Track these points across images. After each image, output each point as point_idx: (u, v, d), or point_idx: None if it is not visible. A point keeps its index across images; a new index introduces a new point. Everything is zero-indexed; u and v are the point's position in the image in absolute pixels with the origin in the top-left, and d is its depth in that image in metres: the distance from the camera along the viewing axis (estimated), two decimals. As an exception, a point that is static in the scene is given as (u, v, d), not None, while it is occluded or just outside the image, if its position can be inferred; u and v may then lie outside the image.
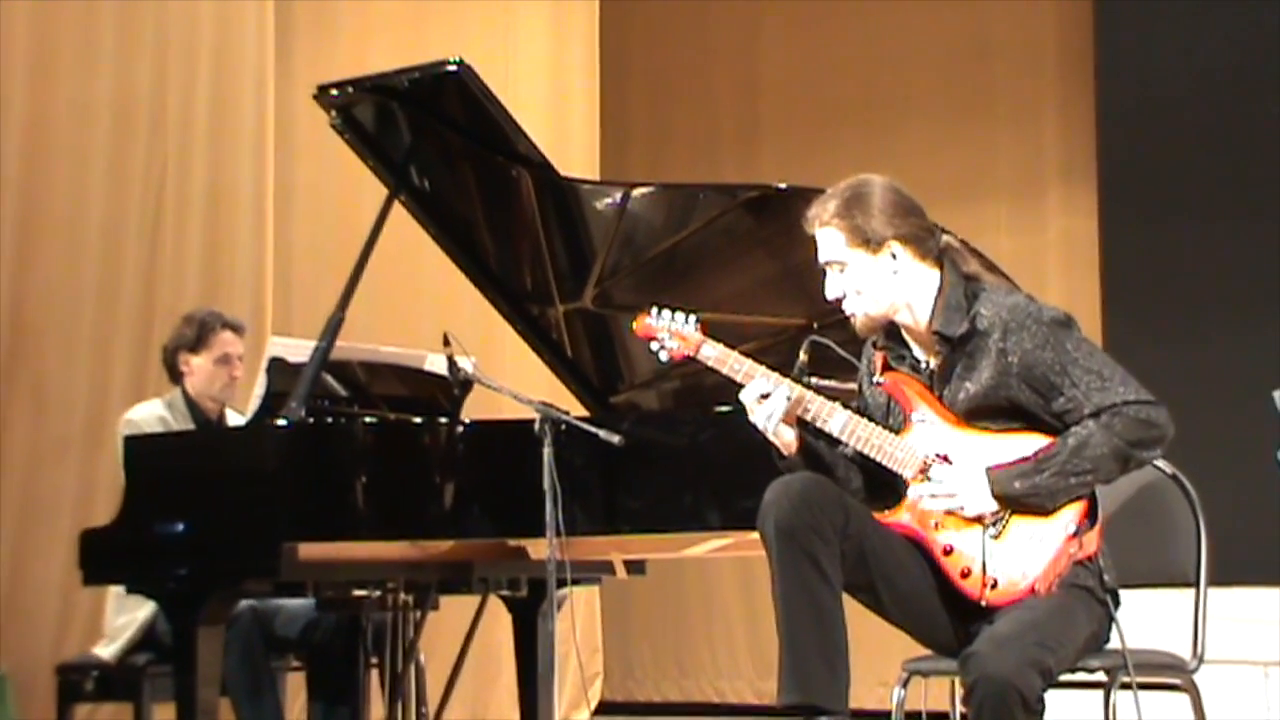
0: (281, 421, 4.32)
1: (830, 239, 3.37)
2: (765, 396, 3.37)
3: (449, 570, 4.67)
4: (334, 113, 4.72)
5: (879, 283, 3.35)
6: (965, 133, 8.10)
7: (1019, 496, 3.25)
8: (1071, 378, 3.26)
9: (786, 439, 3.41)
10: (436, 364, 4.74)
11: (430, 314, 6.72)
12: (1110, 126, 7.67)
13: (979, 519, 3.28)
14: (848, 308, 3.40)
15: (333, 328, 4.49)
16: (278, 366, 4.62)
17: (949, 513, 3.29)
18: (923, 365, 3.41)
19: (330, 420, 4.50)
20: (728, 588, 8.26)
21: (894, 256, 3.34)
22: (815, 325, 4.65)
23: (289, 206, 6.82)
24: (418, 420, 4.64)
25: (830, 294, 3.40)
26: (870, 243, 3.33)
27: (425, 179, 4.94)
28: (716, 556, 5.38)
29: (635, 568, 5.12)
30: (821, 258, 3.40)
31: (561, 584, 4.19)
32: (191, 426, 4.98)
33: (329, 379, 4.70)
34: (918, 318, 3.38)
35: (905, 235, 3.34)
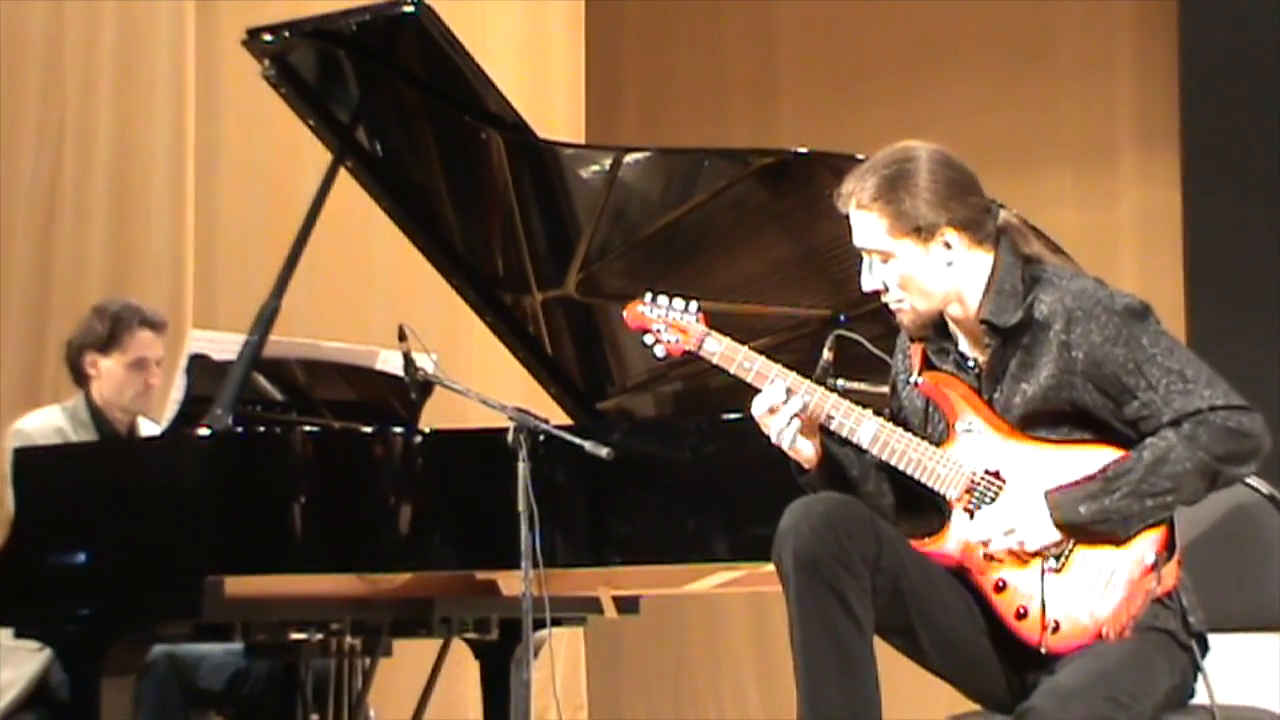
0: (204, 431, 4.31)
1: (869, 225, 3.36)
2: (776, 409, 3.37)
3: (404, 609, 4.68)
4: (267, 61, 4.72)
5: (930, 277, 3.35)
6: (1021, 88, 8.10)
7: (1086, 524, 3.24)
8: (1148, 378, 3.26)
9: (807, 454, 3.42)
10: (390, 362, 4.74)
11: (383, 303, 6.71)
12: (1195, 80, 7.67)
13: (1038, 551, 3.29)
14: (891, 303, 3.40)
15: (266, 319, 4.49)
16: (200, 365, 4.61)
17: (1009, 554, 3.29)
18: (970, 362, 3.41)
19: (263, 429, 4.50)
20: (737, 630, 8.26)
21: (948, 246, 3.34)
22: (841, 317, 4.66)
23: (213, 174, 6.80)
24: (368, 429, 4.64)
25: (867, 286, 3.40)
26: (920, 232, 3.32)
27: (376, 142, 4.94)
28: (724, 593, 5.38)
29: (627, 606, 5.13)
30: (858, 243, 3.39)
31: (539, 625, 4.20)
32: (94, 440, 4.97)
33: (262, 380, 4.70)
34: (968, 307, 3.38)
35: (962, 220, 3.34)
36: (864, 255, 3.39)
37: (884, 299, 3.40)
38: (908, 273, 3.35)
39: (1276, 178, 7.40)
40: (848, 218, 3.39)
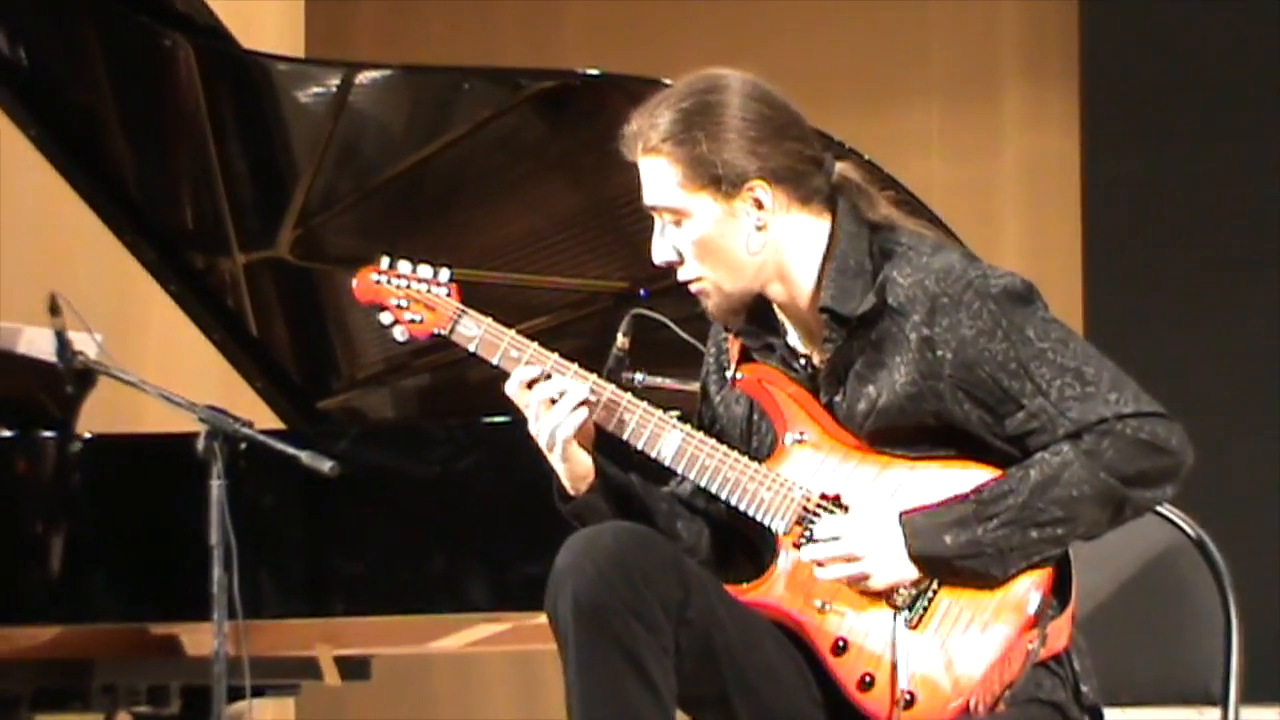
0: None
1: (657, 175, 3.36)
2: (554, 398, 3.36)
3: (52, 674, 4.63)
4: None
5: (736, 245, 3.35)
6: (878, 3, 8.17)
7: (951, 558, 3.26)
8: (1036, 381, 3.28)
9: (580, 469, 3.40)
10: (37, 344, 4.68)
11: (26, 264, 6.60)
12: (1099, -3, 7.80)
13: (888, 596, 3.31)
14: (688, 280, 3.39)
15: None
16: None
17: (850, 586, 3.30)
18: (802, 359, 3.43)
19: None
20: (499, 701, 8.26)
21: (758, 204, 3.35)
22: (642, 291, 4.67)
23: None
24: (5, 433, 4.59)
25: (659, 257, 3.40)
26: (722, 184, 3.33)
27: (20, 48, 4.87)
28: (483, 652, 5.37)
29: (354, 669, 5.11)
30: (646, 199, 3.39)
31: (237, 695, 4.19)
32: None
33: None
34: (795, 289, 3.39)
35: (776, 170, 3.34)
36: (655, 216, 3.39)
37: (679, 276, 3.39)
38: (707, 238, 3.35)
39: (1200, 123, 7.53)
40: (636, 167, 3.39)
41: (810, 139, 3.39)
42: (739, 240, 3.35)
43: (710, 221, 3.34)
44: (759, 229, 3.35)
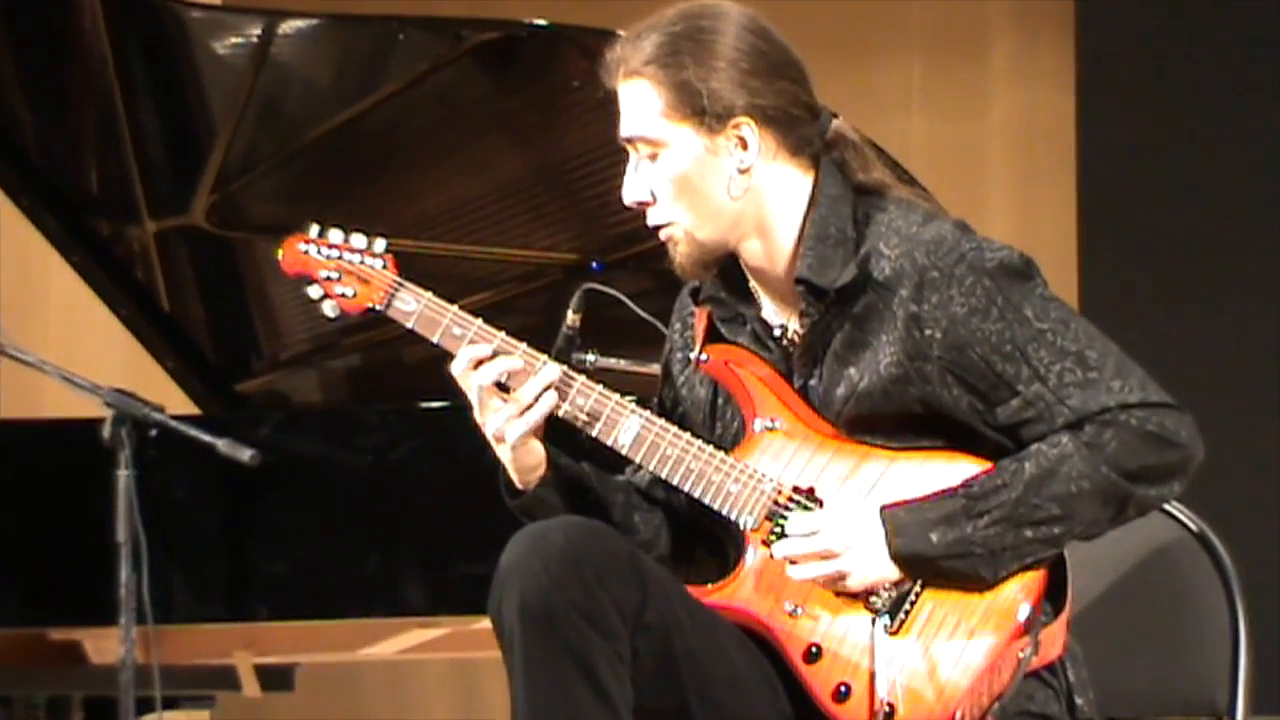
0: None
1: (638, 100, 3.36)
2: (504, 382, 3.35)
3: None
4: None
5: (715, 186, 3.35)
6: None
7: (938, 558, 3.27)
8: (1033, 365, 3.29)
9: (530, 459, 3.41)
10: (-73, 322, 4.68)
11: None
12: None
13: (866, 599, 3.32)
14: (658, 224, 3.40)
15: None
16: None
17: (824, 586, 3.31)
18: (776, 333, 3.43)
19: None
20: (435, 713, 8.25)
21: (743, 144, 3.35)
22: (594, 264, 4.67)
23: None
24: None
25: (629, 195, 3.40)
26: (706, 115, 3.33)
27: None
28: (420, 660, 5.36)
29: (277, 679, 5.09)
30: (623, 130, 3.39)
31: (146, 707, 4.19)
32: None
33: None
34: (774, 249, 3.39)
35: (766, 110, 3.35)
36: (630, 150, 3.39)
37: (649, 220, 3.39)
38: (685, 176, 3.35)
39: (1204, 79, 7.54)
40: (615, 100, 3.39)
41: (807, 85, 3.40)
42: (719, 181, 3.35)
43: (690, 157, 3.34)
44: (741, 172, 3.35)
